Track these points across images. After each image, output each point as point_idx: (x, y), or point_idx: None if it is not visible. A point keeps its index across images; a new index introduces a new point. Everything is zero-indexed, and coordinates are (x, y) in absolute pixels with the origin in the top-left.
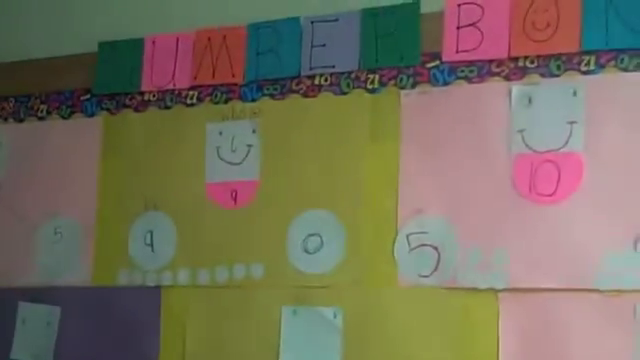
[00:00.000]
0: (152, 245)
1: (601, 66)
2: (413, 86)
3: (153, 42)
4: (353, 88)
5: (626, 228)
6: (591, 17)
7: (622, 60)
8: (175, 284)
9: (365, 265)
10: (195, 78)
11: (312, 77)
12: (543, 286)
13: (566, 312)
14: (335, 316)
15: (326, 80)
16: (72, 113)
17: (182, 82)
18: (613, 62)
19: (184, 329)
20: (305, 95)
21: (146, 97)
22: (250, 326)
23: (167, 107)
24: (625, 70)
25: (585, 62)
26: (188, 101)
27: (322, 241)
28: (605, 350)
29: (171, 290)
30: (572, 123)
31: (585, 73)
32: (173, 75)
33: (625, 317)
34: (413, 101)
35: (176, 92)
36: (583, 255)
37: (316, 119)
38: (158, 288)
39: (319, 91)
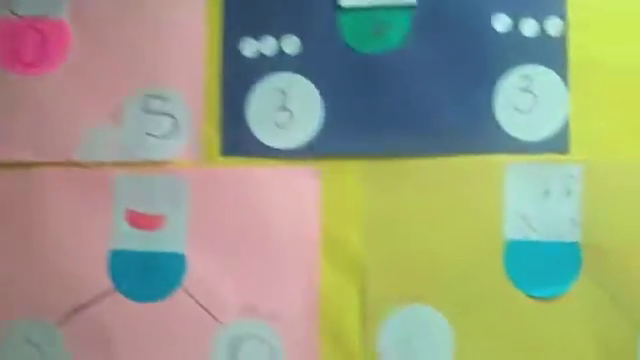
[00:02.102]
0: None
1: None
2: None
3: None
4: None
5: (107, 102)
6: None
7: None
8: None
9: None
10: None
11: None
12: (23, 159)
13: (48, 186)
14: None
15: None
16: None
17: None
18: None
19: None
20: None
21: None
22: None
23: None
24: None
25: None
26: None
27: None
28: (86, 222)
29: None
30: None
31: None
32: None
33: (104, 188)
34: None
35: None
36: (65, 128)
37: None
38: None
39: None
